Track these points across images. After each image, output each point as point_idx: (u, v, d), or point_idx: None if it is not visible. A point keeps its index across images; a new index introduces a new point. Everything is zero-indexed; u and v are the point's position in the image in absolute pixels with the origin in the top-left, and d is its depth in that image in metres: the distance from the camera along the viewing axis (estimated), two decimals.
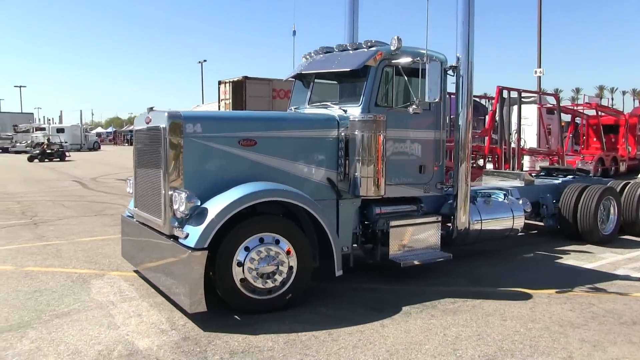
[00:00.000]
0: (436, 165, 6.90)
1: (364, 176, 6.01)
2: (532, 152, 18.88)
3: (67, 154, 38.26)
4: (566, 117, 23.30)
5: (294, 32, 8.01)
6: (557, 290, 6.24)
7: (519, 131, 16.38)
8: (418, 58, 6.18)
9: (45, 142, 38.16)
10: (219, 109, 24.65)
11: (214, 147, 5.50)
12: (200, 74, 65.38)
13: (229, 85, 23.55)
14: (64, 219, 11.29)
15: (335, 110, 6.45)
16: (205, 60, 63.34)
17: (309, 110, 6.88)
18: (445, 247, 6.89)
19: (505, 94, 15.97)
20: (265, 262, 5.23)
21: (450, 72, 6.93)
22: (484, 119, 24.14)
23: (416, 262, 6.41)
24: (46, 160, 35.12)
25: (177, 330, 4.90)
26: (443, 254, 6.73)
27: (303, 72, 7.06)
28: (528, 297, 6.01)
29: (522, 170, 15.73)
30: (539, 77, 28.27)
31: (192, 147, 5.39)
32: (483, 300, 5.84)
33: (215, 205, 5.09)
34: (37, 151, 36.23)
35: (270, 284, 5.29)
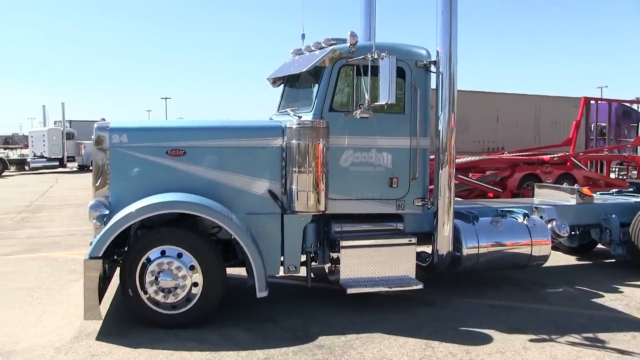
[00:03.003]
0: (413, 178, 5.96)
1: (300, 189, 5.48)
2: None
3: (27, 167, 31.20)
4: None
5: (303, 35, 7.63)
6: None
7: None
8: (383, 54, 5.41)
9: None
10: None
11: (141, 157, 5.51)
12: None
13: None
14: None
15: (292, 117, 6.00)
16: None
17: (277, 117, 6.51)
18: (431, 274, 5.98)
19: None
20: (166, 276, 5.06)
21: (432, 68, 5.96)
22: (637, 126, 20.41)
23: (367, 290, 5.62)
24: None
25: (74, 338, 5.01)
26: (412, 281, 5.80)
27: (268, 78, 6.72)
28: None
29: None
30: None
31: (117, 157, 5.47)
32: None
33: (116, 216, 5.09)
34: None
35: (172, 299, 5.11)
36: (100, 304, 5.05)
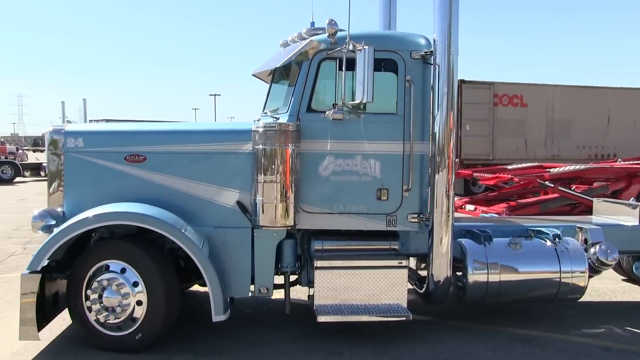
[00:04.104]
0: (406, 189, 5.04)
1: (266, 201, 4.77)
2: None
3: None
4: None
5: (312, 23, 6.86)
6: None
7: None
8: (358, 46, 4.60)
9: None
10: None
11: (97, 162, 5.04)
12: None
13: None
14: None
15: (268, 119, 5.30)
16: None
17: (262, 119, 5.83)
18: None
19: None
20: (110, 293, 4.55)
21: (430, 60, 5.02)
22: None
23: (341, 319, 4.81)
24: None
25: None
26: (401, 310, 4.90)
27: (253, 74, 6.04)
28: None
29: None
30: None
31: (72, 162, 5.05)
32: None
33: (56, 229, 4.64)
34: None
35: (115, 319, 4.58)
36: (45, 324, 4.66)
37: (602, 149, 19.83)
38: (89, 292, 4.58)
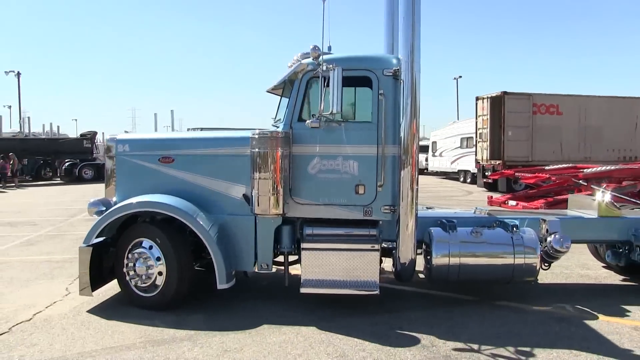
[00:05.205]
0: (380, 185, 6.02)
1: (260, 194, 5.96)
2: None
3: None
4: None
5: (329, 47, 8.01)
6: None
7: None
8: (330, 66, 5.69)
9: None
10: (476, 125, 24.34)
11: (139, 163, 6.52)
12: (456, 90, 62.50)
13: (487, 101, 23.42)
14: None
15: (272, 127, 6.51)
16: (460, 76, 61.18)
17: (272, 128, 7.03)
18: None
19: None
20: (140, 264, 5.97)
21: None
22: None
23: (319, 291, 5.87)
24: None
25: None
26: (372, 286, 5.86)
27: (267, 91, 7.25)
28: None
29: None
30: None
31: (121, 163, 6.57)
32: None
33: (104, 213, 6.16)
34: None
35: (142, 284, 6.01)
36: (102, 285, 6.24)
37: (630, 152, 22.79)
38: (126, 260, 6.04)
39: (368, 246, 5.97)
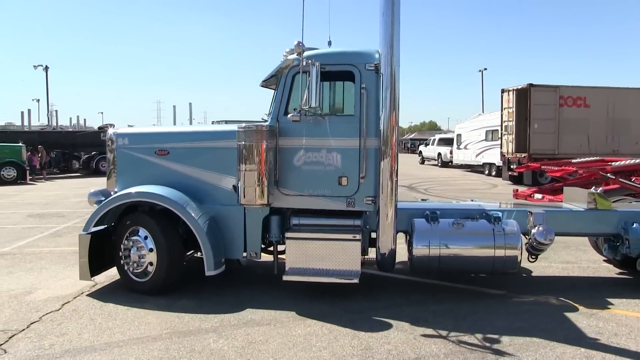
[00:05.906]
0: (362, 177, 6.17)
1: (245, 185, 6.19)
2: None
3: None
4: None
5: (329, 42, 8.16)
6: None
7: None
8: (309, 62, 5.87)
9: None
10: (502, 117, 24.07)
11: (137, 155, 6.87)
12: (481, 83, 60.66)
13: (513, 94, 23.22)
14: None
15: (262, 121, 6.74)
16: (485, 69, 59.26)
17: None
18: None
19: None
20: (134, 251, 6.33)
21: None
22: None
23: (301, 278, 6.07)
24: None
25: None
26: (353, 274, 6.02)
27: (260, 85, 7.46)
28: None
29: None
30: None
31: (121, 155, 6.94)
32: None
33: (102, 203, 6.55)
34: None
35: (135, 270, 6.38)
36: (102, 271, 6.65)
37: None
38: (123, 246, 6.41)
39: (350, 236, 6.14)
